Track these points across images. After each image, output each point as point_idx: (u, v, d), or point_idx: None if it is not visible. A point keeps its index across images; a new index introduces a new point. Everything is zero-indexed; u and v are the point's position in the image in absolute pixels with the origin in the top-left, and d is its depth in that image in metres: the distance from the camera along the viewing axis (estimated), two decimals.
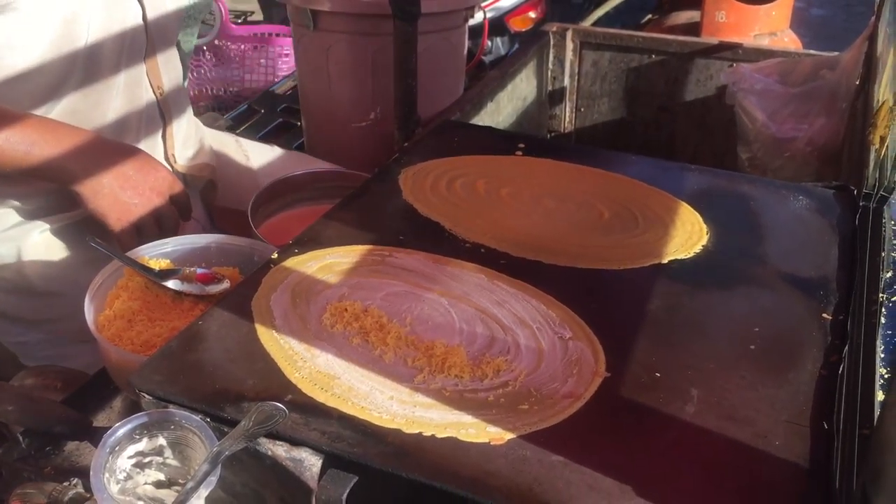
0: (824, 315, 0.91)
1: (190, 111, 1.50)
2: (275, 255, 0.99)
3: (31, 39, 1.14)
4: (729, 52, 2.18)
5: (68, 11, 1.16)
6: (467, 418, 0.75)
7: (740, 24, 2.41)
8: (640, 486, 0.69)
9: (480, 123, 1.72)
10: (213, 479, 0.73)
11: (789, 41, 2.47)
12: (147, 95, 1.34)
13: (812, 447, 0.73)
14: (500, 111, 2.02)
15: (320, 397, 0.77)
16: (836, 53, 1.90)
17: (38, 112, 1.19)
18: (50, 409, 0.96)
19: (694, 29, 2.48)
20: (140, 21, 1.27)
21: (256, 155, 1.64)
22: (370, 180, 1.18)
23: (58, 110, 1.21)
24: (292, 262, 0.97)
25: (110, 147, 1.20)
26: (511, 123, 2.14)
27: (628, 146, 2.48)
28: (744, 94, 1.93)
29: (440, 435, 0.73)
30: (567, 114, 2.48)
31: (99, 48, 1.21)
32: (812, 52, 2.08)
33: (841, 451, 0.72)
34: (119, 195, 1.17)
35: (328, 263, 0.97)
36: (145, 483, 0.79)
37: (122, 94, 1.29)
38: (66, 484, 0.80)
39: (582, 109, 2.51)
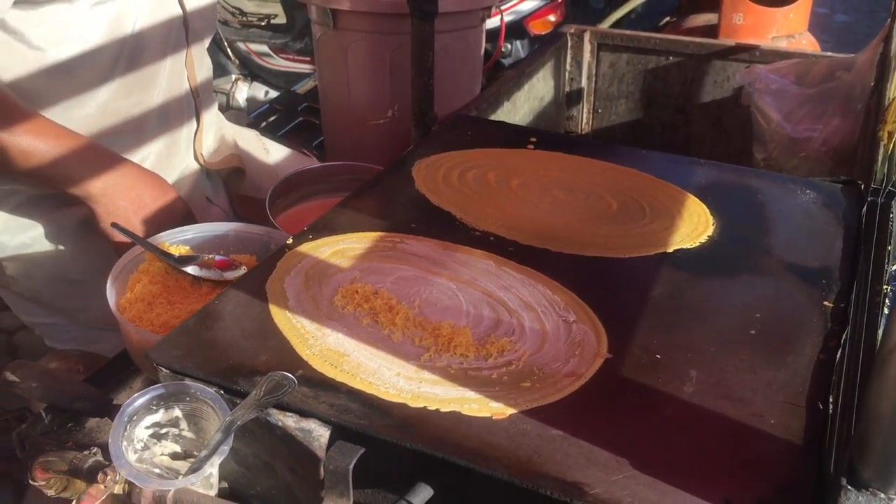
0: (825, 303, 0.93)
1: (216, 105, 1.54)
2: (290, 241, 1.02)
3: (82, 32, 1.18)
4: (746, 53, 2.19)
5: (119, 4, 1.20)
6: (471, 394, 0.78)
7: (758, 26, 2.42)
8: (636, 459, 0.71)
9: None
10: (225, 448, 0.76)
11: (807, 44, 2.47)
12: (184, 88, 1.38)
13: (807, 426, 0.75)
14: (517, 110, 2.04)
15: (330, 373, 0.80)
16: (852, 55, 1.91)
17: (82, 104, 1.23)
18: (71, 387, 0.99)
19: (711, 31, 2.49)
20: (179, 12, 1.31)
21: (274, 150, 1.68)
22: (384, 171, 1.21)
23: (102, 101, 1.25)
24: (306, 248, 1.00)
25: (132, 171, 1.24)
26: (528, 123, 2.16)
27: (645, 147, 2.49)
28: (759, 94, 1.95)
29: (444, 409, 0.76)
30: (584, 115, 2.50)
31: (143, 41, 1.26)
32: (828, 53, 2.08)
33: (838, 429, 0.74)
34: (131, 219, 1.20)
35: (341, 249, 1.00)
36: (162, 454, 0.82)
37: (165, 87, 1.33)
38: (86, 453, 0.83)
39: (599, 110, 2.52)
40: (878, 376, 0.59)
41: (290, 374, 0.72)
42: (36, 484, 0.89)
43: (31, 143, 1.14)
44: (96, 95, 1.24)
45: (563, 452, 0.72)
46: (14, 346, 2.69)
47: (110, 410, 0.99)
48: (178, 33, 1.33)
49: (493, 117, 1.84)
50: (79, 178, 1.19)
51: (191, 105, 1.40)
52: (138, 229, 1.21)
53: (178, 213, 1.25)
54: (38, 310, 1.39)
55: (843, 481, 0.61)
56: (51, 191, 1.26)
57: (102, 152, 1.22)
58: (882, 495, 0.60)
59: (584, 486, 0.68)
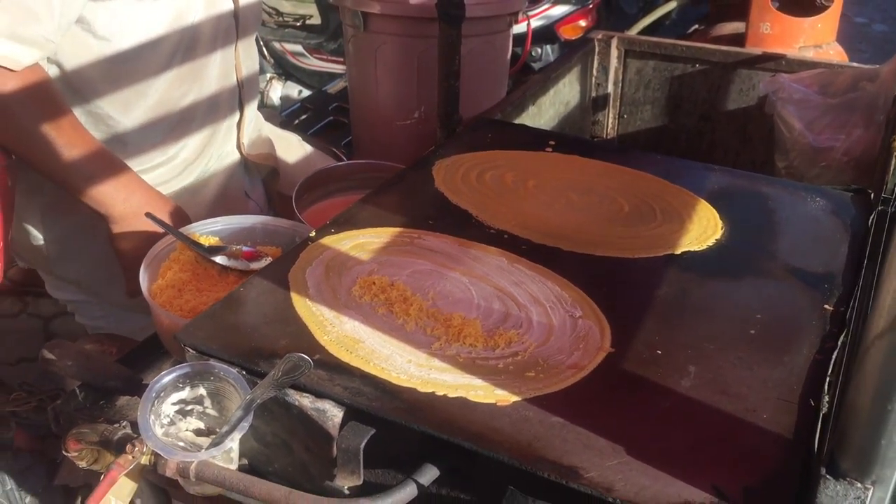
0: (826, 306, 0.96)
1: (256, 102, 1.60)
2: (313, 234, 1.07)
3: (148, 24, 1.25)
4: (772, 62, 2.21)
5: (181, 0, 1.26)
6: (477, 381, 0.82)
7: (785, 36, 2.43)
8: (631, 446, 0.75)
9: None
10: (245, 425, 0.81)
11: (835, 54, 2.48)
12: (232, 81, 1.45)
13: (798, 422, 0.79)
14: (542, 114, 2.08)
15: (345, 358, 0.85)
16: (877, 66, 1.92)
17: (141, 94, 1.29)
18: (104, 366, 1.05)
19: (739, 40, 2.51)
20: (231, 6, 1.37)
21: (311, 150, 1.74)
22: (406, 170, 1.26)
23: (159, 91, 1.31)
24: (328, 240, 1.05)
25: (154, 199, 1.29)
26: (553, 127, 2.20)
27: (670, 153, 2.51)
28: (782, 103, 1.97)
29: (451, 395, 0.80)
30: (610, 120, 2.53)
31: (198, 34, 1.32)
32: (854, 63, 2.10)
33: (830, 426, 0.77)
34: (141, 248, 1.26)
35: (361, 242, 1.05)
36: (186, 429, 0.87)
37: (215, 78, 1.39)
38: (115, 426, 0.89)
39: (625, 116, 2.55)
40: (858, 370, 0.62)
41: (306, 356, 0.77)
42: (69, 455, 0.95)
43: (59, 147, 1.20)
44: (154, 85, 1.30)
45: (561, 438, 0.76)
46: (51, 333, 2.78)
47: (140, 389, 1.05)
48: (229, 27, 1.38)
49: (518, 121, 1.88)
50: (99, 198, 1.26)
51: (235, 96, 1.45)
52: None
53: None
54: (72, 288, 1.45)
55: (823, 471, 0.65)
56: None
57: (125, 173, 1.28)
58: (859, 484, 0.63)
59: (580, 470, 0.72)
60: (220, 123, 1.45)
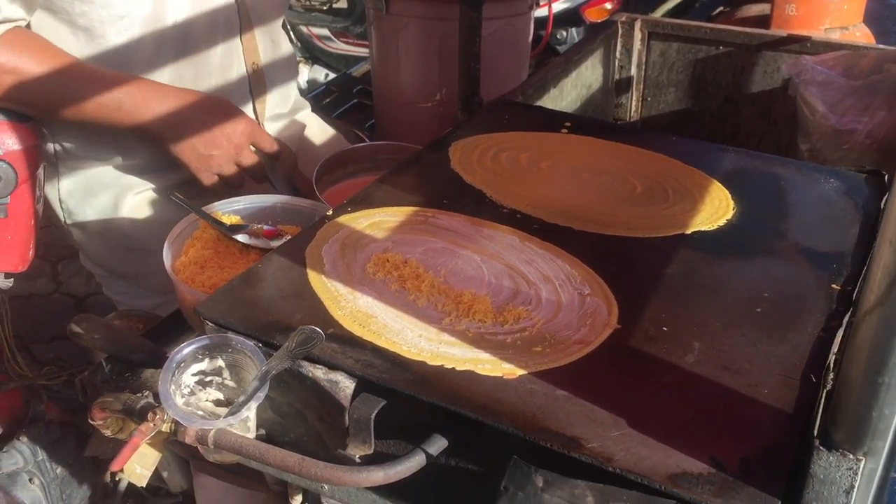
0: (833, 286, 0.97)
1: (290, 86, 1.61)
2: (330, 212, 1.10)
3: (123, 19, 1.27)
4: (797, 44, 2.19)
5: None
6: (485, 356, 0.85)
7: (811, 17, 2.41)
8: (632, 419, 0.77)
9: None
10: (261, 395, 0.84)
11: (861, 36, 2.45)
12: (240, 72, 1.46)
13: (798, 397, 0.80)
14: (564, 97, 2.08)
15: (358, 332, 0.88)
16: None
17: None
18: (130, 339, 1.09)
19: (764, 22, 2.49)
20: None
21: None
22: (422, 151, 1.28)
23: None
24: (345, 219, 1.08)
25: (189, 98, 1.31)
26: (575, 110, 2.20)
27: (694, 136, 2.51)
28: (805, 85, 1.96)
29: (459, 368, 0.83)
30: (633, 103, 2.52)
31: (188, 27, 1.34)
32: (879, 45, 2.08)
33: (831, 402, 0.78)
34: (196, 146, 1.29)
35: (377, 221, 1.07)
36: (206, 400, 0.91)
37: (218, 70, 1.42)
38: (138, 395, 0.93)
39: (648, 99, 2.55)
40: (851, 342, 0.64)
41: (318, 329, 0.80)
42: (94, 423, 0.99)
43: (82, 89, 1.23)
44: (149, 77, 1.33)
45: (565, 411, 0.78)
46: (84, 310, 2.84)
47: (164, 362, 1.09)
48: (229, 18, 1.40)
49: (540, 103, 1.89)
50: (140, 117, 1.27)
51: (244, 86, 1.47)
52: (205, 156, 1.30)
53: (243, 132, 1.33)
54: (106, 274, 1.50)
55: (816, 443, 0.66)
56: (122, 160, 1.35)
57: (155, 86, 1.29)
58: (851, 456, 0.65)
59: (582, 441, 0.75)
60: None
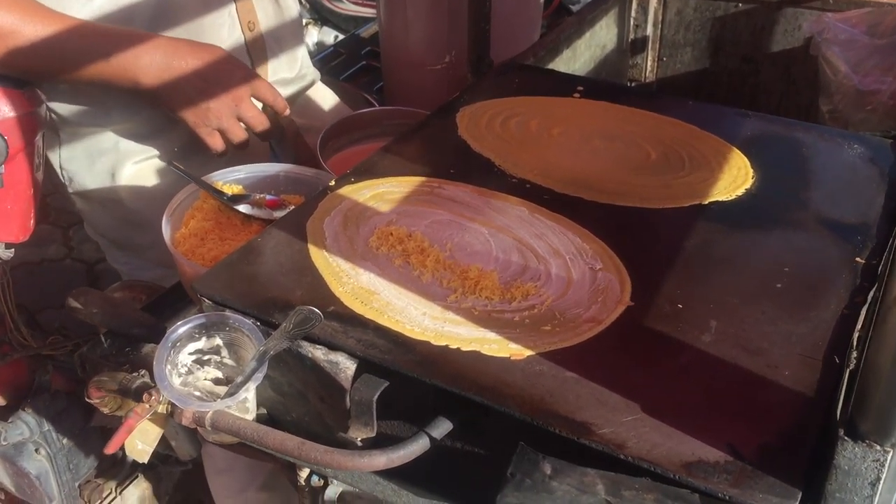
0: (857, 259, 0.92)
1: (297, 51, 1.55)
2: (332, 183, 1.06)
3: None
4: (819, 1, 2.12)
5: None
6: (491, 335, 0.81)
7: None
8: (645, 403, 0.73)
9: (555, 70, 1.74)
10: (259, 376, 0.81)
11: None
12: (234, 33, 1.41)
13: (820, 379, 0.76)
14: (577, 58, 2.02)
15: (360, 310, 0.84)
16: None
17: None
18: (130, 314, 1.07)
19: None
20: None
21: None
22: (429, 118, 1.24)
23: None
24: (347, 190, 1.04)
25: (182, 48, 1.24)
26: (589, 71, 2.14)
27: (712, 97, 2.44)
28: (827, 44, 1.89)
29: (465, 348, 0.80)
30: (649, 63, 2.46)
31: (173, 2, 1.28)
32: None
33: (855, 385, 0.75)
34: (193, 99, 1.23)
35: (380, 192, 1.03)
36: (205, 378, 0.88)
37: (209, 30, 1.36)
38: (134, 374, 0.90)
39: (664, 59, 2.48)
40: (880, 328, 0.60)
41: (315, 309, 0.76)
42: (91, 402, 0.96)
43: (74, 45, 1.18)
44: None
45: (575, 394, 0.75)
46: (95, 276, 2.83)
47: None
48: None
49: (552, 65, 1.83)
50: (129, 70, 1.21)
51: (243, 54, 1.41)
52: (202, 108, 1.24)
53: (243, 81, 1.27)
54: (108, 244, 1.47)
55: (841, 432, 0.63)
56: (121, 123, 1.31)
57: (143, 36, 1.23)
58: (878, 447, 0.62)
59: (592, 426, 0.71)
60: None
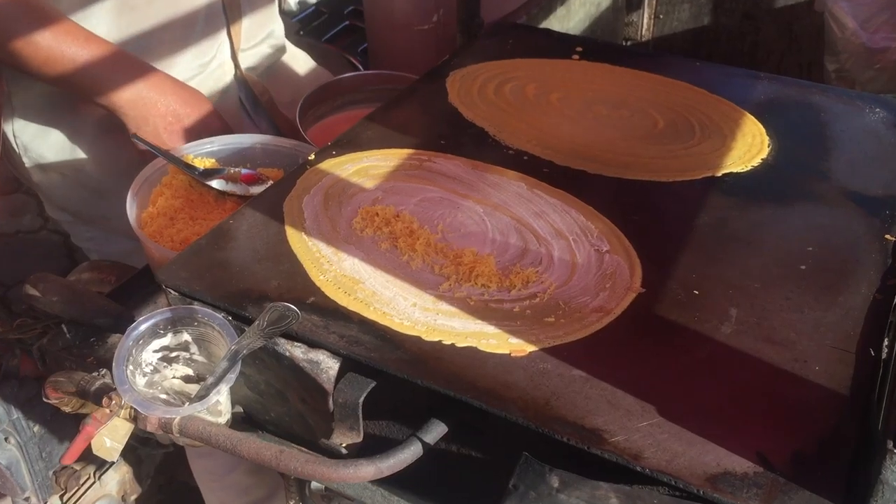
0: (887, 236, 0.84)
1: (269, 10, 1.45)
2: (312, 157, 0.97)
3: None
4: None
5: None
6: (490, 328, 0.73)
7: None
8: (662, 404, 0.66)
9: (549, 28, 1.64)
10: (231, 377, 0.73)
11: None
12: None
13: (855, 374, 0.69)
14: (571, 16, 1.93)
15: (343, 301, 0.76)
16: None
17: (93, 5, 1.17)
18: (93, 301, 0.98)
19: None
20: None
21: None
22: (417, 82, 1.14)
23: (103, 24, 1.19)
24: (328, 164, 0.95)
25: (164, 83, 1.18)
26: (583, 30, 2.05)
27: (709, 56, 2.36)
28: None
29: (460, 344, 0.72)
30: (645, 21, 2.36)
31: None
32: None
33: (890, 380, 0.67)
34: (161, 135, 1.15)
35: (365, 167, 0.95)
36: (173, 377, 0.80)
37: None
38: (94, 374, 0.82)
39: (661, 16, 2.38)
40: None
41: (292, 306, 0.68)
42: (50, 402, 0.88)
43: (58, 48, 1.10)
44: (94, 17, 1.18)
45: (583, 395, 0.67)
46: (71, 248, 2.73)
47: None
48: None
49: (546, 24, 1.74)
50: (106, 88, 1.15)
51: (218, 12, 1.31)
52: (168, 146, 1.17)
53: (214, 130, 1.20)
54: (71, 219, 1.37)
55: (890, 444, 0.55)
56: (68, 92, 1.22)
57: (133, 62, 1.17)
58: None
59: (604, 434, 0.64)
60: (209, 40, 1.31)
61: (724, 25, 2.33)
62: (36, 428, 1.47)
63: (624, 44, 2.41)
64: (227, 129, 1.21)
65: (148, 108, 1.16)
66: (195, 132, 1.18)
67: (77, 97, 1.25)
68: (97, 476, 1.66)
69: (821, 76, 1.96)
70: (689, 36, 2.38)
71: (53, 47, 1.10)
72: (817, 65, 2.08)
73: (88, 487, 1.62)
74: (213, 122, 1.20)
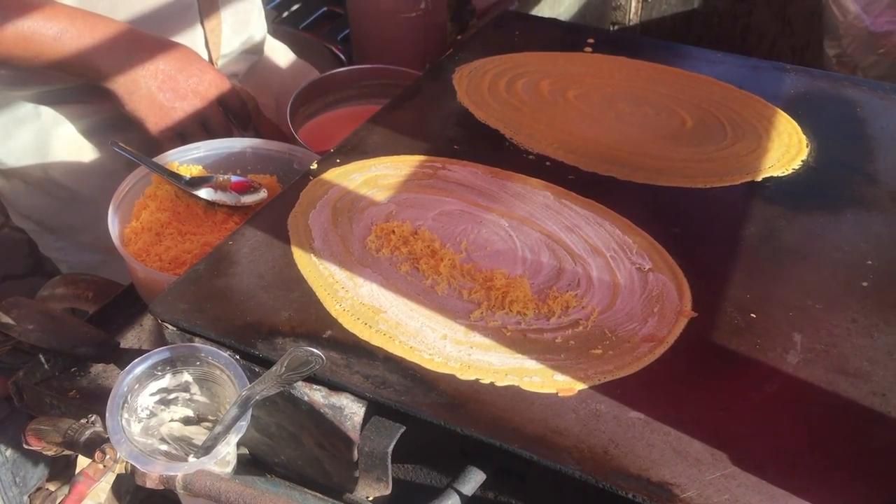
0: None
1: (250, 3, 1.35)
2: (314, 166, 0.88)
3: None
4: None
5: None
6: (531, 363, 0.65)
7: None
8: (734, 451, 0.59)
9: (540, 14, 1.56)
10: (242, 425, 0.65)
11: None
12: None
13: None
14: (561, 2, 1.85)
15: (364, 334, 0.68)
16: None
17: None
18: (73, 329, 0.88)
19: None
20: None
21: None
22: (421, 80, 1.06)
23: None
24: (333, 175, 0.86)
25: (148, 41, 1.08)
26: (572, 15, 1.97)
27: (699, 40, 2.29)
28: None
29: (500, 383, 0.64)
30: (633, 4, 2.29)
31: None
32: None
33: None
34: (156, 96, 1.06)
35: (373, 176, 0.86)
36: (171, 420, 0.71)
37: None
38: (83, 421, 0.73)
39: (649, 0, 2.32)
40: None
41: (316, 351, 0.59)
42: (32, 448, 0.79)
43: (27, 24, 0.99)
44: None
45: (645, 442, 0.59)
46: (34, 245, 2.60)
47: (117, 355, 0.89)
48: None
49: (537, 9, 1.66)
50: (88, 53, 1.04)
51: (192, 8, 1.21)
52: (165, 107, 1.07)
53: (209, 82, 1.10)
54: (36, 228, 1.27)
55: None
56: (41, 86, 1.11)
57: (107, 21, 1.05)
58: None
59: (674, 488, 0.56)
60: (184, 35, 1.20)
61: (715, 8, 2.27)
62: (8, 452, 1.37)
63: (611, 28, 2.34)
64: (216, 72, 1.12)
65: (134, 70, 1.06)
66: (191, 88, 1.08)
67: (44, 99, 1.15)
68: None
69: (817, 61, 1.91)
70: (678, 20, 2.32)
71: (23, 23, 0.99)
72: (813, 49, 2.03)
73: None
74: (206, 72, 1.10)
